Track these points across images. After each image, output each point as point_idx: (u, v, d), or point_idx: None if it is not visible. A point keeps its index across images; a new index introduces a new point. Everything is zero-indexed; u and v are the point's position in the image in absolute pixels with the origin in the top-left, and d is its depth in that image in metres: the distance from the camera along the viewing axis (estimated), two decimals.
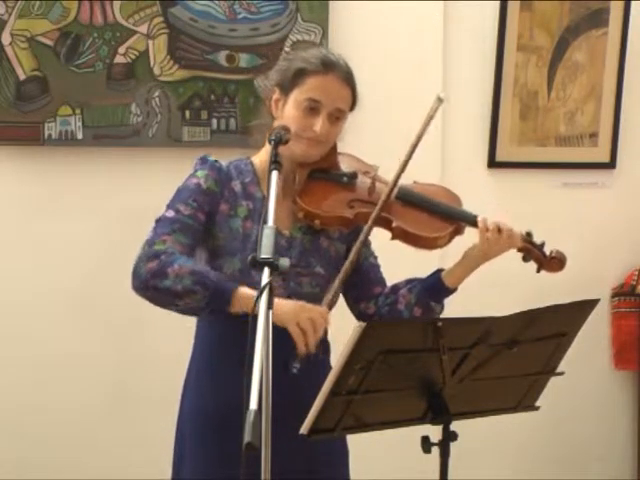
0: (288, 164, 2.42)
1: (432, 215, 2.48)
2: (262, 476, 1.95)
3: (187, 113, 3.55)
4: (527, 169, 3.98)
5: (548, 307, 2.17)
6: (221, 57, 3.57)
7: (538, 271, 2.60)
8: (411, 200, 2.49)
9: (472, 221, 2.49)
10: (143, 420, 3.57)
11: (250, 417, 1.70)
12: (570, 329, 2.28)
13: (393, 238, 2.47)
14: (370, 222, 2.41)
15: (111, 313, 3.53)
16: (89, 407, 3.59)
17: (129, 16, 3.49)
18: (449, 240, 2.49)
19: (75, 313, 3.57)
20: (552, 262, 2.57)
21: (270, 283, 1.93)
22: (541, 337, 2.22)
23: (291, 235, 2.45)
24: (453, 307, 3.74)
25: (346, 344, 2.01)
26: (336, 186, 2.49)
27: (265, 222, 2.07)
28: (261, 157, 2.52)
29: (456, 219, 2.50)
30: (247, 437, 1.68)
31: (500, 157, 3.91)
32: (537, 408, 2.38)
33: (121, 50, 3.50)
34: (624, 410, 4.16)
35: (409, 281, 2.54)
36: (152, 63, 3.52)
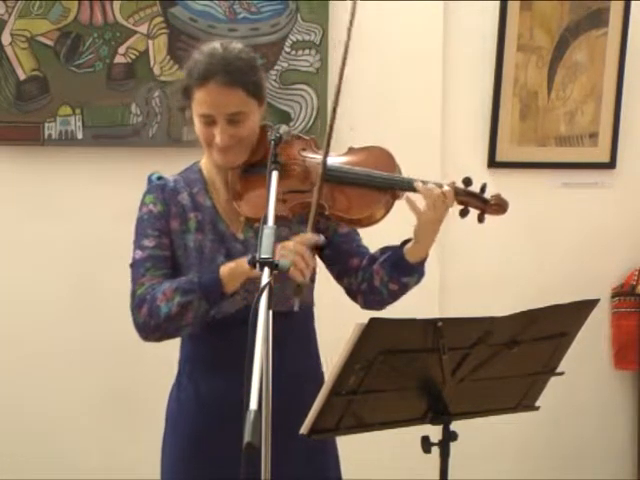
0: (219, 169, 2.43)
1: (364, 189, 2.37)
2: (262, 476, 1.95)
3: (187, 113, 3.54)
4: (527, 169, 3.97)
5: (548, 307, 2.17)
6: None
7: (480, 221, 2.41)
8: (339, 179, 2.39)
9: (409, 187, 2.36)
10: (137, 419, 3.57)
11: (250, 417, 1.69)
12: (570, 329, 2.28)
13: (333, 221, 2.42)
14: (311, 217, 2.31)
15: (110, 312, 3.52)
16: (82, 407, 3.59)
17: (129, 16, 3.50)
18: (387, 210, 2.38)
19: (74, 312, 3.57)
20: (493, 208, 2.42)
21: (270, 283, 1.92)
22: (541, 337, 2.22)
23: (245, 238, 2.42)
24: (453, 307, 3.75)
25: (346, 344, 2.01)
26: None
27: (265, 222, 2.06)
28: (205, 160, 2.50)
29: (389, 188, 2.38)
30: (247, 437, 1.67)
31: (500, 157, 3.91)
32: (537, 408, 2.38)
33: (121, 50, 3.50)
34: (624, 410, 4.16)
35: (383, 251, 2.45)
36: (152, 63, 3.52)
